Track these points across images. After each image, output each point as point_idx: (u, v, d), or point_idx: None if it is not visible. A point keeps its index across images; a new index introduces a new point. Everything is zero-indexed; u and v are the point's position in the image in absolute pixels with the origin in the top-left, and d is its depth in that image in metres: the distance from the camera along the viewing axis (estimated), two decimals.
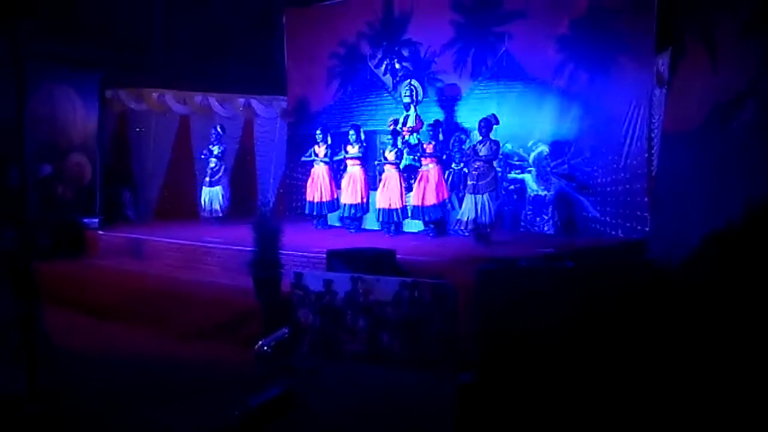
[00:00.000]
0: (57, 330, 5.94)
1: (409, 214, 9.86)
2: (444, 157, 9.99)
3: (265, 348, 5.98)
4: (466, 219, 8.60)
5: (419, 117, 10.48)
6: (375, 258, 6.66)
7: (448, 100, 11.02)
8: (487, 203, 8.46)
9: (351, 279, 6.04)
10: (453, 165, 10.55)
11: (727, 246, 4.77)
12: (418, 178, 9.76)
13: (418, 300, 5.80)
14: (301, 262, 7.28)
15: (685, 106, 6.58)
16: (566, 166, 9.95)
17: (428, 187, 9.56)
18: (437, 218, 9.60)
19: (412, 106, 10.55)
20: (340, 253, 6.67)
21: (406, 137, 10.22)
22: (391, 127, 10.35)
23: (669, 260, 6.11)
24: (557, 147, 10.03)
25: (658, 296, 4.07)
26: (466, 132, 10.60)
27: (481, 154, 8.56)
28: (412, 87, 10.62)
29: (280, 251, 6.62)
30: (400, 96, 10.93)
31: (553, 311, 4.09)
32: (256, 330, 6.25)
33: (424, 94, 10.76)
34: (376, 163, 10.61)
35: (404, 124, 10.47)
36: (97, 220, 10.40)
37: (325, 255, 6.82)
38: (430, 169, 9.62)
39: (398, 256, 7.01)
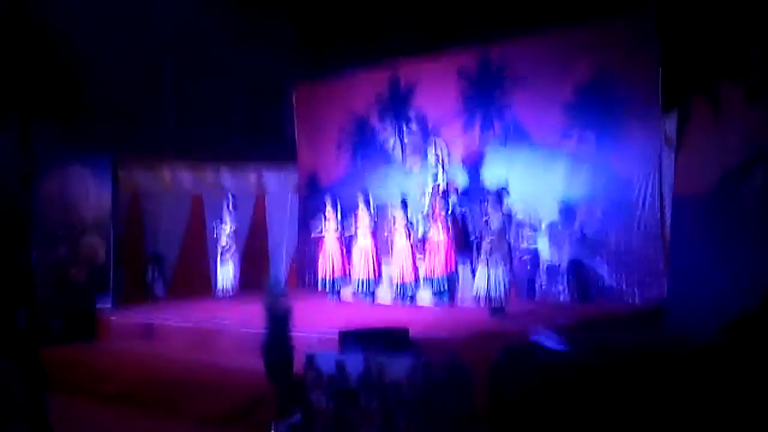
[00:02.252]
0: (64, 420, 5.82)
1: (422, 285, 9.78)
2: (457, 222, 9.95)
3: None
4: (480, 293, 8.48)
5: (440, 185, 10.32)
6: (388, 337, 6.53)
7: (458, 168, 11.02)
8: (500, 276, 8.35)
9: (364, 360, 5.93)
10: (466, 233, 10.47)
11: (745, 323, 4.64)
12: (429, 248, 9.72)
13: (433, 380, 5.68)
14: (313, 342, 7.16)
15: (695, 170, 6.58)
16: (579, 231, 9.86)
17: (438, 258, 9.51)
18: (444, 290, 9.50)
19: (439, 166, 10.40)
20: (352, 333, 6.56)
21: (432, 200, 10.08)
22: (404, 199, 10.29)
23: (687, 335, 5.99)
24: (568, 212, 9.96)
25: (680, 383, 3.91)
26: (478, 200, 10.54)
27: (492, 227, 8.50)
28: (439, 148, 10.42)
29: (292, 332, 6.52)
30: (418, 170, 10.91)
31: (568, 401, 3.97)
32: (269, 415, 6.11)
33: (449, 155, 10.61)
34: (386, 234, 10.58)
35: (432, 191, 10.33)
36: (110, 303, 10.35)
37: (337, 334, 6.71)
38: (440, 240, 9.58)
39: (412, 332, 6.88)
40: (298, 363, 6.24)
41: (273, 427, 5.90)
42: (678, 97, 7.14)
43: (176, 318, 9.29)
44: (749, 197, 5.45)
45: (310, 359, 6.10)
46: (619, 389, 3.91)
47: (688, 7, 6.68)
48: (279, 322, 6.46)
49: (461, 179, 10.93)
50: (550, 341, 6.23)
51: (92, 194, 11.33)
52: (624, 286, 9.37)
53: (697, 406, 3.81)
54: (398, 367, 5.80)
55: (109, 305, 10.34)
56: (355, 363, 5.93)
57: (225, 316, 9.05)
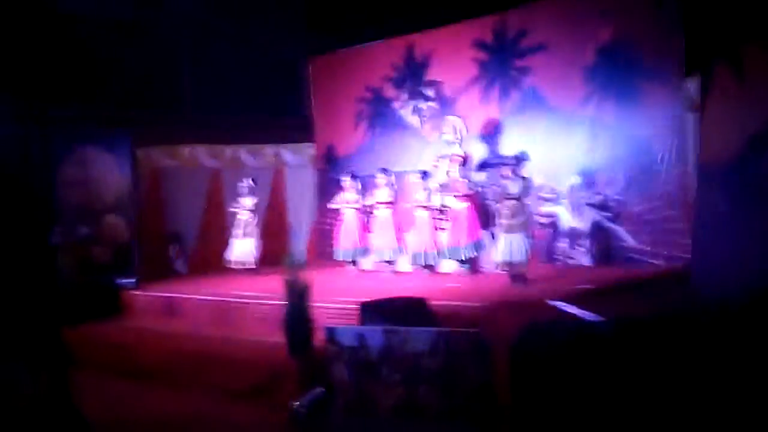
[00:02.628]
0: (90, 398, 5.89)
1: (445, 254, 9.75)
2: (477, 191, 9.87)
3: (301, 408, 5.87)
4: (501, 259, 8.43)
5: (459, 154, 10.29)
6: (408, 308, 6.54)
7: (476, 137, 10.93)
8: (521, 242, 8.29)
9: (384, 332, 5.94)
10: (486, 200, 10.44)
11: None
12: (451, 217, 9.68)
13: (453, 351, 5.67)
14: (334, 315, 7.18)
15: (719, 136, 6.43)
16: (600, 195, 9.76)
17: (460, 227, 9.46)
18: (470, 257, 9.48)
19: (455, 145, 10.33)
20: (372, 305, 6.57)
21: (451, 171, 10.02)
22: (435, 164, 10.22)
23: (713, 295, 5.90)
24: (589, 177, 9.86)
25: (706, 346, 3.84)
26: (497, 167, 10.47)
27: (512, 191, 8.42)
28: (454, 124, 10.38)
29: (312, 306, 6.53)
30: (436, 138, 10.85)
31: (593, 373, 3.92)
32: (291, 389, 6.15)
33: (467, 131, 10.53)
34: (407, 206, 10.53)
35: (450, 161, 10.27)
36: (134, 280, 10.45)
37: (357, 306, 6.72)
38: (462, 208, 9.52)
39: (433, 301, 6.87)
40: (319, 336, 6.26)
41: (295, 401, 5.93)
42: (701, 61, 6.95)
43: (198, 293, 9.35)
44: None
45: (331, 332, 6.12)
46: (642, 362, 3.85)
47: None
48: (299, 297, 6.48)
49: (480, 148, 10.84)
50: (573, 309, 6.21)
51: (112, 175, 11.39)
52: (647, 249, 9.28)
53: (720, 374, 3.75)
54: (419, 338, 5.81)
55: (133, 282, 10.40)
56: (375, 335, 5.94)
57: (245, 290, 9.09)
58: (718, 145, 6.60)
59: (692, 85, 8.54)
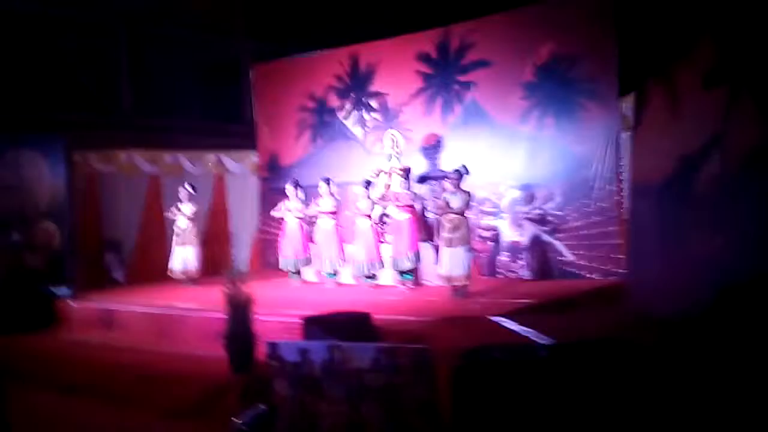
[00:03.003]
0: (22, 413, 5.72)
1: (387, 265, 9.80)
2: (417, 206, 9.97)
3: (242, 426, 5.81)
4: (442, 273, 8.53)
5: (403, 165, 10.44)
6: (351, 322, 6.56)
7: (420, 148, 11.05)
8: (462, 256, 8.40)
9: (327, 347, 5.92)
10: (427, 213, 10.61)
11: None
12: (392, 228, 9.74)
13: (396, 367, 5.69)
14: (276, 328, 7.14)
15: (651, 155, 6.66)
16: (539, 210, 9.99)
17: (402, 238, 9.52)
18: (411, 269, 9.55)
19: (393, 157, 10.50)
20: (316, 319, 6.56)
21: (391, 184, 10.13)
22: (373, 177, 10.30)
23: (648, 310, 6.11)
24: (529, 191, 10.09)
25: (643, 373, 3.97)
26: (438, 179, 10.61)
27: (453, 206, 8.53)
28: (393, 138, 10.58)
29: (253, 321, 6.49)
30: (379, 149, 10.96)
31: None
32: (233, 405, 6.08)
33: (405, 144, 10.71)
34: (348, 214, 10.55)
35: (388, 174, 10.42)
36: (68, 289, 10.15)
37: (300, 319, 6.71)
38: (404, 219, 9.59)
39: (376, 316, 6.90)
40: (262, 351, 6.22)
41: (236, 419, 5.87)
42: (635, 81, 7.20)
43: (136, 305, 9.15)
44: (706, 182, 5.54)
45: (273, 348, 6.06)
46: (583, 385, 3.96)
47: None
48: (240, 311, 6.43)
49: (421, 160, 10.96)
50: (513, 325, 6.34)
51: (46, 179, 11.08)
52: (585, 263, 9.56)
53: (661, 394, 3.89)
54: (362, 354, 5.79)
55: (67, 291, 10.11)
56: (318, 350, 5.90)
57: (186, 301, 8.95)
58: (651, 163, 6.83)
59: (628, 104, 8.84)
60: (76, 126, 11.54)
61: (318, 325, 6.44)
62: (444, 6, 10.59)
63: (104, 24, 12.40)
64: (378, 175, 10.44)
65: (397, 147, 10.52)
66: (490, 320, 6.71)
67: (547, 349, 4.41)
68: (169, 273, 10.76)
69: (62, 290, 10.13)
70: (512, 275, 10.12)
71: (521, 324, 6.30)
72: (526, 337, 5.96)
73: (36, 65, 11.56)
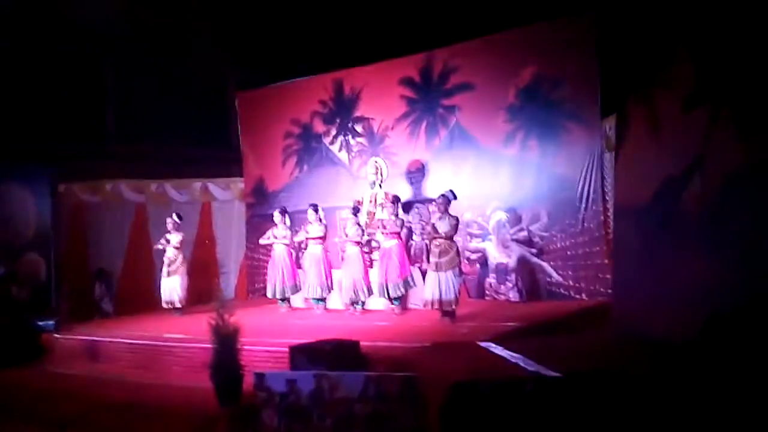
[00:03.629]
0: None
1: (374, 292, 9.77)
2: (404, 231, 9.98)
3: None
4: (430, 297, 8.52)
5: (387, 193, 10.49)
6: (339, 350, 6.52)
7: (405, 174, 11.10)
8: (450, 280, 8.40)
9: (315, 377, 5.89)
10: (414, 237, 10.64)
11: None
12: (381, 255, 9.73)
13: (384, 396, 5.66)
14: (263, 358, 7.10)
15: (634, 176, 6.71)
16: (525, 231, 10.02)
17: (390, 264, 9.51)
18: (400, 295, 9.54)
19: (377, 184, 10.55)
20: (303, 348, 6.53)
21: (377, 212, 10.19)
22: (355, 206, 10.33)
23: (634, 330, 6.12)
24: (514, 213, 10.13)
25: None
26: (425, 204, 10.67)
27: (440, 230, 8.53)
28: (377, 165, 10.65)
29: (240, 351, 6.45)
30: (363, 173, 10.99)
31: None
32: None
33: (388, 171, 10.78)
34: (336, 240, 10.54)
35: (371, 202, 10.49)
36: (53, 322, 10.04)
37: (287, 349, 6.67)
38: (391, 245, 9.58)
39: (364, 342, 6.88)
40: (249, 382, 6.17)
41: None
42: (617, 102, 7.28)
43: (123, 336, 9.06)
44: (688, 204, 5.58)
45: (260, 378, 6.02)
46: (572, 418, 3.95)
47: (624, 16, 6.81)
48: (227, 342, 6.38)
49: (407, 185, 11.00)
50: (501, 351, 6.33)
51: (31, 210, 11.05)
52: (571, 284, 9.58)
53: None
54: (350, 383, 5.77)
55: (53, 323, 10.00)
56: (305, 380, 5.87)
57: (172, 332, 8.88)
58: (634, 184, 6.89)
59: (610, 125, 8.92)
60: (61, 156, 11.51)
61: (305, 354, 6.41)
62: (426, 31, 10.65)
63: (88, 53, 12.40)
64: (361, 203, 10.49)
65: (381, 174, 10.58)
66: (479, 346, 6.70)
67: (534, 382, 4.39)
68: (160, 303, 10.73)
69: (48, 323, 10.00)
70: (500, 297, 10.12)
71: (509, 349, 6.29)
72: (515, 363, 5.95)
73: (20, 96, 11.53)
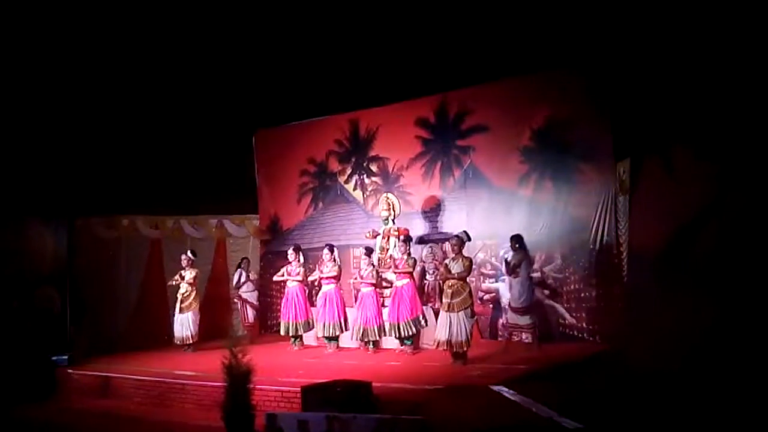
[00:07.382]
0: None
1: (386, 332, 9.75)
2: (417, 270, 9.99)
3: None
4: (441, 338, 8.48)
5: (399, 228, 10.50)
6: (351, 392, 6.49)
7: (418, 213, 11.15)
8: (462, 321, 8.36)
9: (326, 418, 5.87)
10: (427, 276, 10.63)
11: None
12: (392, 294, 9.73)
13: None
14: (275, 398, 7.09)
15: (649, 220, 6.72)
16: (539, 273, 9.99)
17: (402, 304, 9.50)
18: (411, 334, 9.51)
19: (390, 220, 10.61)
20: (314, 389, 6.51)
21: (390, 249, 10.21)
22: (369, 237, 10.35)
23: (647, 374, 6.06)
24: (529, 253, 10.08)
25: None
26: (438, 243, 10.69)
27: (454, 271, 8.53)
28: (389, 201, 10.71)
29: (252, 391, 6.44)
30: (377, 211, 11.04)
31: None
32: None
33: (401, 207, 10.84)
34: (351, 281, 10.56)
35: (384, 238, 10.52)
36: (67, 357, 10.08)
37: (299, 389, 6.66)
38: (403, 284, 9.58)
39: (376, 384, 6.85)
40: (260, 422, 6.16)
41: None
42: (630, 149, 7.33)
43: (135, 373, 9.09)
44: (702, 250, 5.59)
45: (271, 419, 6.03)
46: None
47: (636, 68, 6.90)
48: (239, 382, 6.37)
49: (421, 224, 11.04)
50: (513, 396, 6.29)
51: (48, 245, 11.14)
52: (584, 326, 9.52)
53: None
54: (361, 425, 5.75)
55: (66, 360, 10.03)
56: (317, 422, 5.86)
57: (185, 369, 8.90)
58: (648, 228, 6.90)
59: (624, 168, 8.93)
60: (79, 192, 11.62)
61: (317, 394, 6.39)
62: (442, 73, 10.78)
63: (108, 96, 12.57)
64: (373, 237, 10.50)
65: (393, 210, 10.62)
66: (491, 389, 6.66)
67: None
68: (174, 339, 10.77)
69: (61, 357, 10.05)
70: (513, 338, 10.03)
71: (521, 393, 6.26)
72: (528, 408, 5.91)
73: (40, 136, 11.68)
